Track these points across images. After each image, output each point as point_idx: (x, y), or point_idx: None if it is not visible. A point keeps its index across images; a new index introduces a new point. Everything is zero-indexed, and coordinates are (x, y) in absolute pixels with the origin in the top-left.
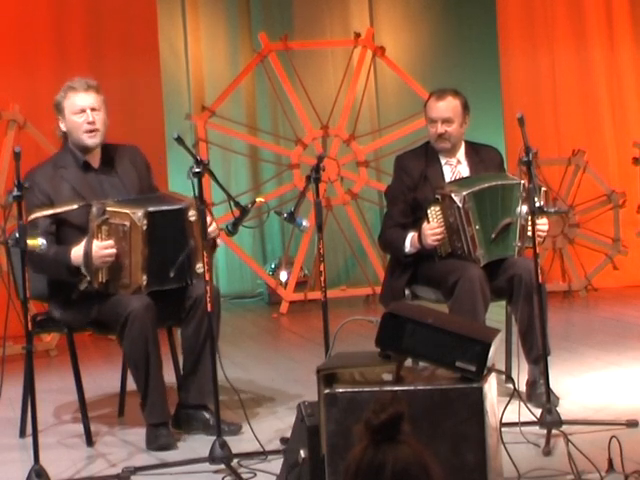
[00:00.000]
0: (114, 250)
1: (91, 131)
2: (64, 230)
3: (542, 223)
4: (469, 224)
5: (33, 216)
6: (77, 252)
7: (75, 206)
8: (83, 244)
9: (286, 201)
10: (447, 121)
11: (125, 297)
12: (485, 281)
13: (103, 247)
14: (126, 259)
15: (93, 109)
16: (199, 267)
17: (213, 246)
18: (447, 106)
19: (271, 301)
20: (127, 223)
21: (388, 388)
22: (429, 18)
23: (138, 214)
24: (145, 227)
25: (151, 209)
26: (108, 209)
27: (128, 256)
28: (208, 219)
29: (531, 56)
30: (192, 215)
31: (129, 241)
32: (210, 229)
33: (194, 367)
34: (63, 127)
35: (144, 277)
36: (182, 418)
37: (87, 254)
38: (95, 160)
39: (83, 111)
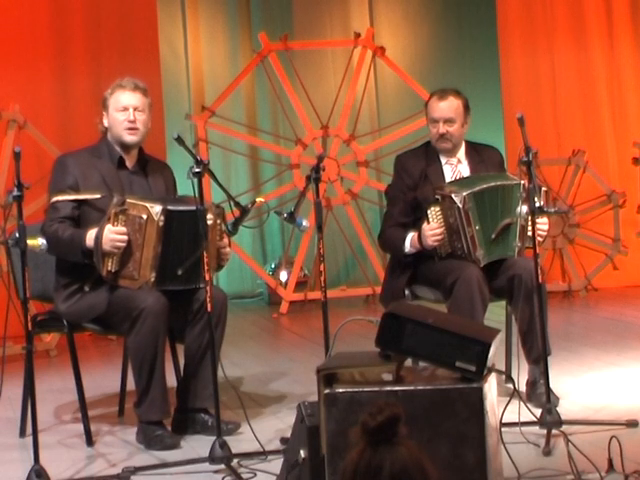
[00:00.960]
0: (125, 237)
1: (131, 129)
2: (86, 214)
3: (542, 222)
4: (469, 224)
5: (55, 199)
6: (91, 235)
7: (98, 195)
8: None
9: (286, 201)
10: (449, 121)
11: (139, 292)
12: (483, 281)
13: (114, 232)
14: (138, 252)
15: (136, 109)
16: None
17: (219, 266)
18: (449, 106)
19: (271, 301)
20: (144, 216)
21: (388, 388)
22: (429, 18)
23: (156, 209)
24: (162, 223)
25: (170, 207)
26: (128, 200)
27: (140, 249)
28: (224, 241)
29: (531, 56)
30: (209, 219)
31: (143, 234)
32: (225, 250)
33: (196, 370)
34: (106, 122)
35: (153, 274)
36: (182, 421)
37: (97, 237)
38: (130, 160)
39: (126, 109)
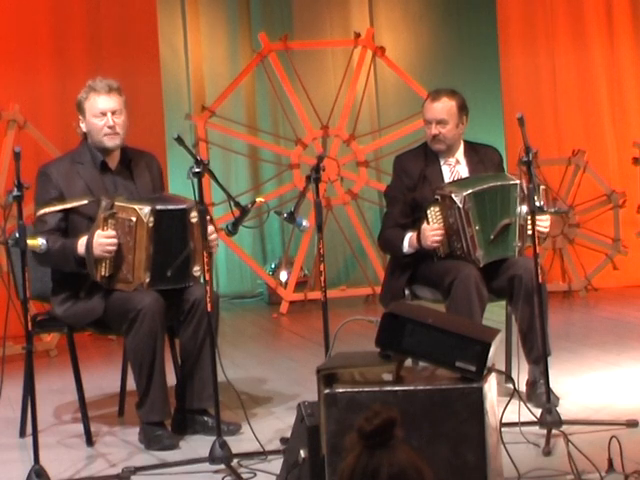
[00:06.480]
0: (115, 240)
1: (111, 134)
2: (75, 222)
3: (543, 219)
4: (469, 225)
5: (42, 211)
6: (82, 242)
7: (85, 201)
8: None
9: (286, 201)
10: (441, 122)
11: (135, 294)
12: (481, 281)
13: (104, 236)
14: (130, 254)
15: (114, 112)
16: (196, 270)
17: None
18: (442, 107)
19: (271, 301)
20: (133, 218)
21: (388, 388)
22: (429, 18)
23: (145, 210)
24: (151, 224)
25: (158, 207)
26: (116, 204)
27: (132, 252)
28: (210, 228)
29: (531, 56)
30: (194, 217)
31: (134, 236)
32: (211, 237)
33: (193, 370)
34: (83, 127)
35: (147, 275)
36: (181, 422)
37: (88, 244)
38: (113, 162)
39: (104, 114)
